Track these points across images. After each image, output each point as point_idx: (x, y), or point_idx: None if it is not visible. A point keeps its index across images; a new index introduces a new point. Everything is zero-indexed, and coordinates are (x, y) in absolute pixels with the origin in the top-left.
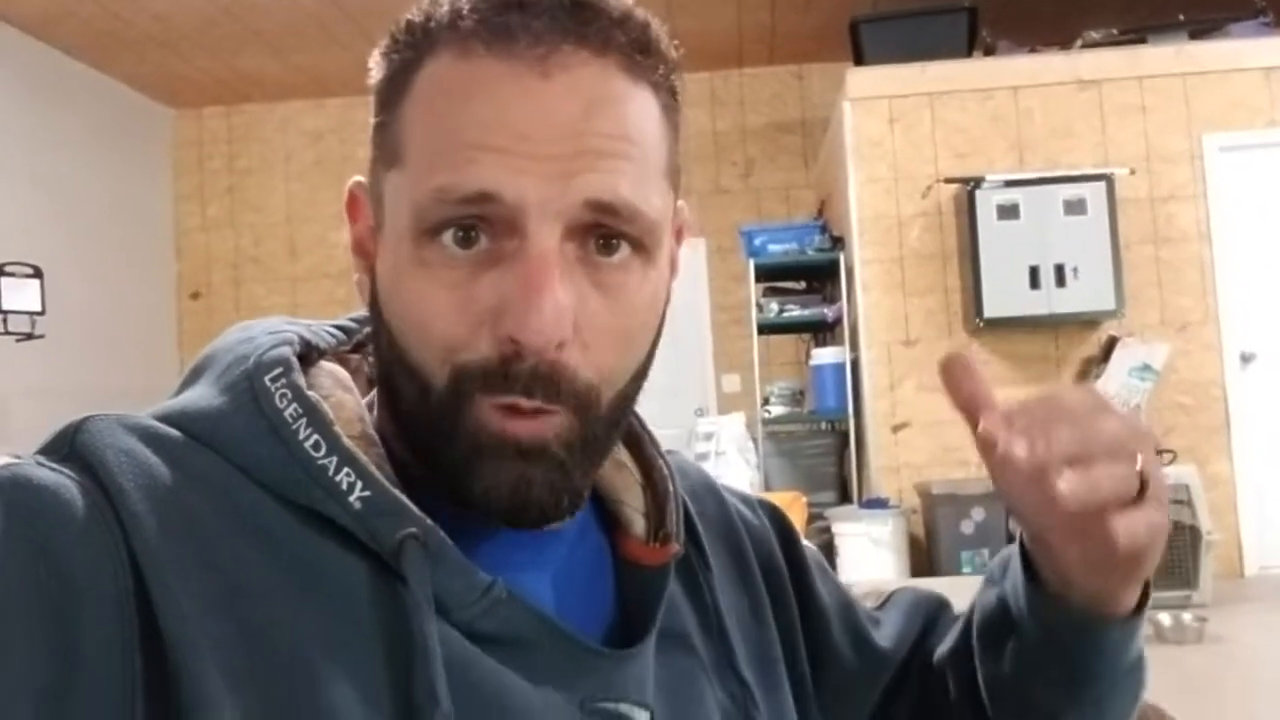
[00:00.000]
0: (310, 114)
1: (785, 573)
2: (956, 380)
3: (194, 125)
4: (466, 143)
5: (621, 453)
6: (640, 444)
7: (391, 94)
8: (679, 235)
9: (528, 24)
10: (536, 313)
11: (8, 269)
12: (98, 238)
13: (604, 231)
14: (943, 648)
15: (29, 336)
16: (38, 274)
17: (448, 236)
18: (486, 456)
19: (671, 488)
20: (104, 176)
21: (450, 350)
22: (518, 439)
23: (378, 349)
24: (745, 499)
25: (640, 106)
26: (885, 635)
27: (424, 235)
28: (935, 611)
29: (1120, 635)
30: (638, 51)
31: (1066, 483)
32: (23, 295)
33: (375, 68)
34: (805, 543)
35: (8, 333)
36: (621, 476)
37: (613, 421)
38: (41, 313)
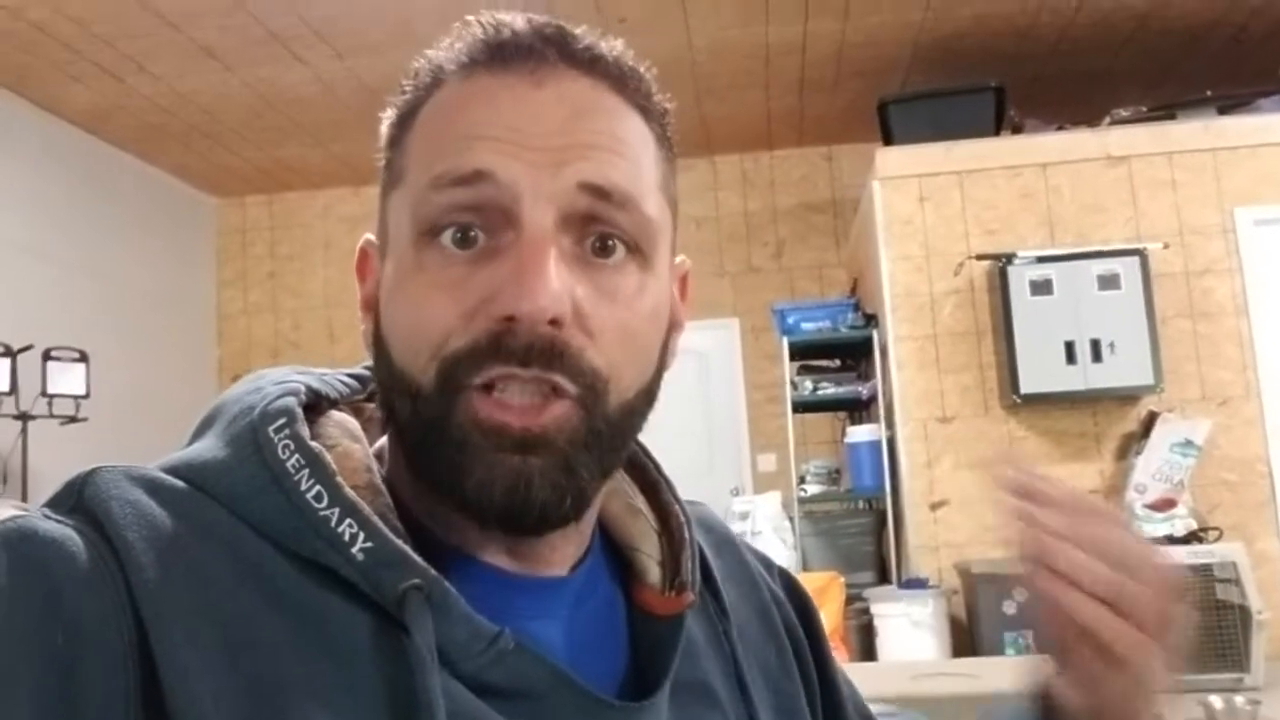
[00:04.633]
0: (348, 201)
1: (804, 640)
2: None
3: (237, 213)
4: (463, 135)
5: (638, 499)
6: (657, 490)
7: (399, 132)
8: (682, 288)
9: (521, 43)
10: (529, 287)
11: (55, 353)
12: (142, 323)
13: (600, 229)
14: None
15: (73, 419)
16: (84, 358)
17: (446, 237)
18: (478, 450)
19: (688, 535)
20: (149, 263)
21: (439, 344)
22: (511, 429)
23: (379, 380)
24: (764, 561)
25: (630, 122)
26: None
27: (423, 237)
28: None
29: None
30: (626, 79)
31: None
32: (69, 379)
33: (385, 117)
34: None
35: (53, 415)
36: (637, 523)
37: (619, 428)
38: (86, 396)
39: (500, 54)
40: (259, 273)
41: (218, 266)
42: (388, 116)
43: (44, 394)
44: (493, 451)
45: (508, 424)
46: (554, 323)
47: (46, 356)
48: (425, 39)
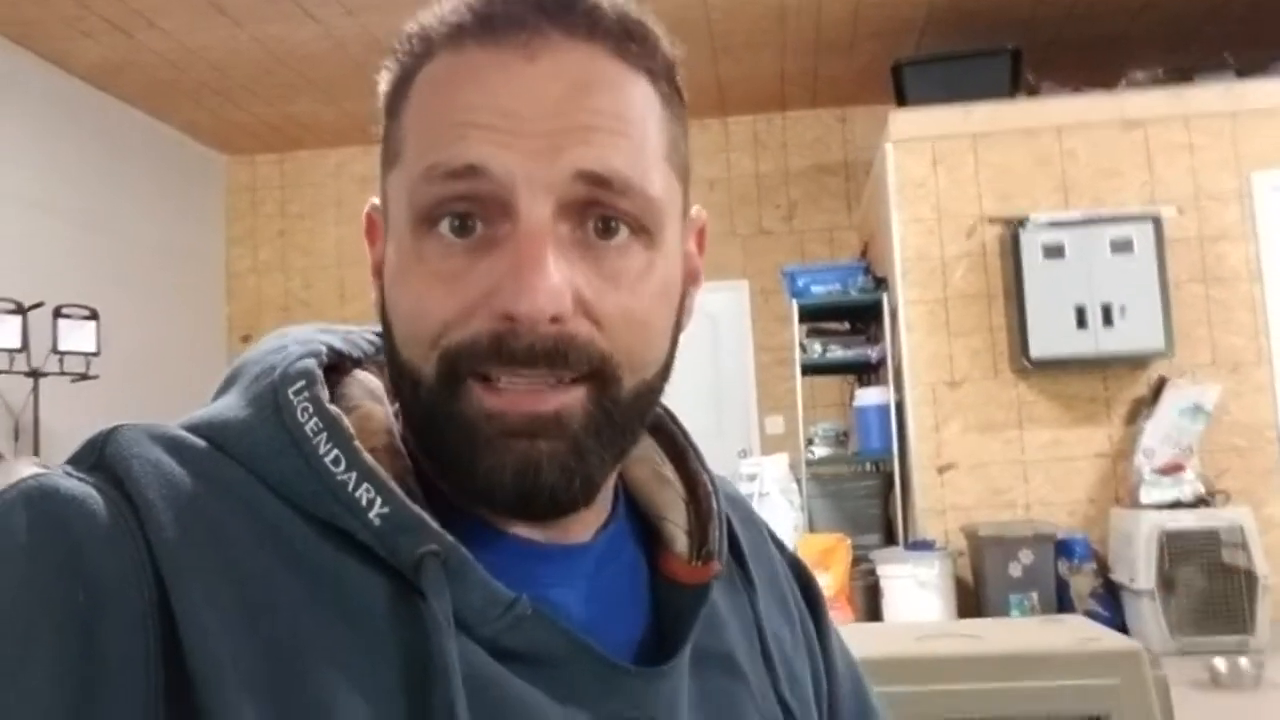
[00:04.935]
0: (360, 159)
1: (810, 621)
2: None
3: (247, 171)
4: (455, 122)
5: (666, 467)
6: (685, 458)
7: (394, 101)
8: (699, 241)
9: (512, 13)
10: (528, 285)
11: (65, 311)
12: (152, 281)
13: (601, 212)
14: None
15: (84, 377)
16: (94, 316)
17: (444, 226)
18: (485, 437)
19: (715, 504)
20: (159, 221)
21: (438, 336)
22: (520, 414)
23: (386, 354)
24: (775, 539)
25: (634, 89)
26: None
27: (421, 225)
28: None
29: None
30: (629, 39)
31: None
32: (79, 336)
33: (380, 82)
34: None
35: (64, 373)
36: (665, 492)
37: (634, 411)
38: (97, 354)
39: (490, 25)
40: (269, 231)
41: (227, 224)
42: (382, 82)
43: (55, 351)
44: (500, 437)
45: (515, 409)
46: (556, 319)
47: (57, 314)
48: None
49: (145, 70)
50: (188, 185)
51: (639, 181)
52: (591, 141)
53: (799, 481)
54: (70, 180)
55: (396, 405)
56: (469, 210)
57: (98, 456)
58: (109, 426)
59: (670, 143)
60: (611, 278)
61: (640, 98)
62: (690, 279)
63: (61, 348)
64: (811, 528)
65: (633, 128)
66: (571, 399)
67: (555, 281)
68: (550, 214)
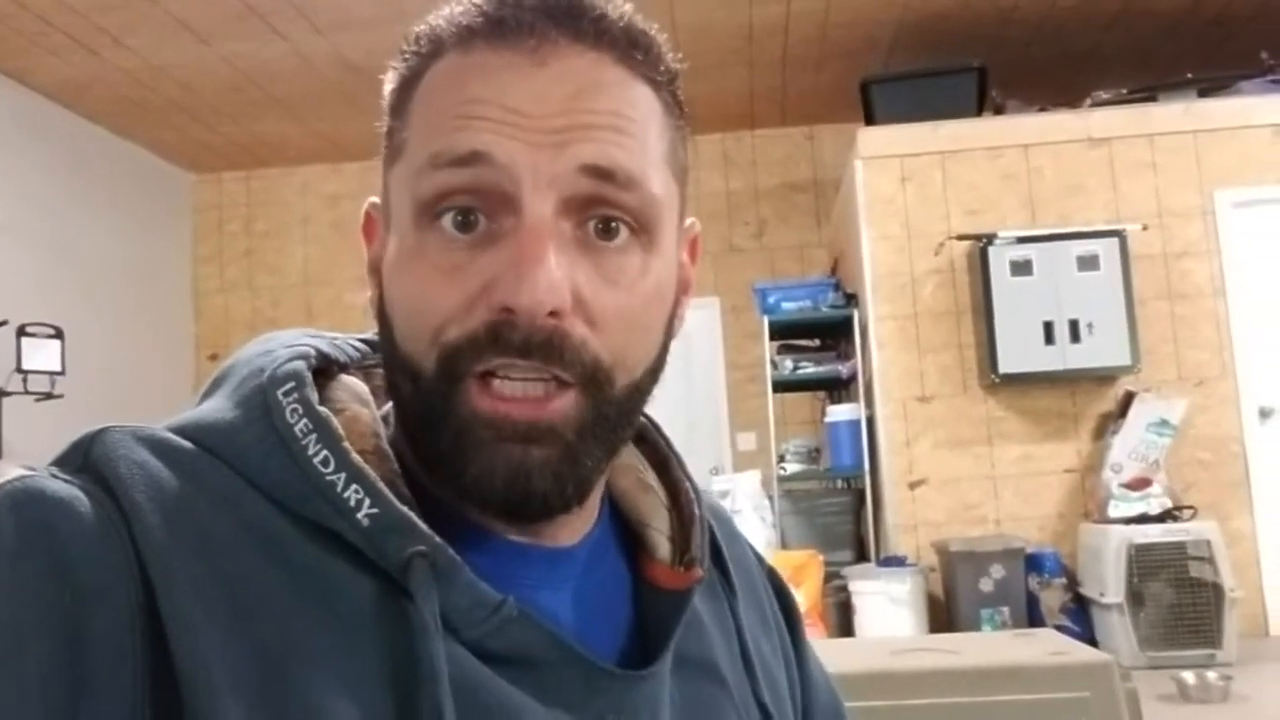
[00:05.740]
0: (328, 178)
1: (788, 636)
2: None
3: (214, 189)
4: (461, 114)
5: (648, 474)
6: (668, 466)
7: (400, 99)
8: (692, 251)
9: (522, 18)
10: (529, 278)
11: (29, 330)
12: (117, 300)
13: (603, 211)
14: None
15: (48, 396)
16: (58, 335)
17: (447, 220)
18: (478, 440)
19: (697, 511)
20: (124, 240)
21: (439, 330)
22: (514, 421)
23: (383, 353)
24: (756, 554)
25: (636, 94)
26: None
27: (423, 217)
28: None
29: None
30: (634, 48)
31: None
32: (43, 356)
33: (387, 81)
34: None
35: (28, 392)
36: (648, 499)
37: (626, 410)
38: (61, 373)
39: (499, 28)
40: (235, 250)
41: (194, 243)
42: (389, 81)
43: (19, 370)
44: (494, 442)
45: (510, 415)
46: (553, 314)
47: (21, 333)
48: (410, 14)
49: (111, 88)
50: (154, 204)
51: (641, 177)
52: (595, 138)
53: (771, 498)
54: (34, 198)
55: (384, 410)
56: (471, 205)
57: (84, 458)
58: (95, 428)
59: (670, 148)
60: (609, 278)
61: (643, 102)
62: (682, 288)
63: (26, 367)
64: (784, 544)
65: (635, 126)
66: (566, 405)
67: (555, 276)
68: (553, 210)
